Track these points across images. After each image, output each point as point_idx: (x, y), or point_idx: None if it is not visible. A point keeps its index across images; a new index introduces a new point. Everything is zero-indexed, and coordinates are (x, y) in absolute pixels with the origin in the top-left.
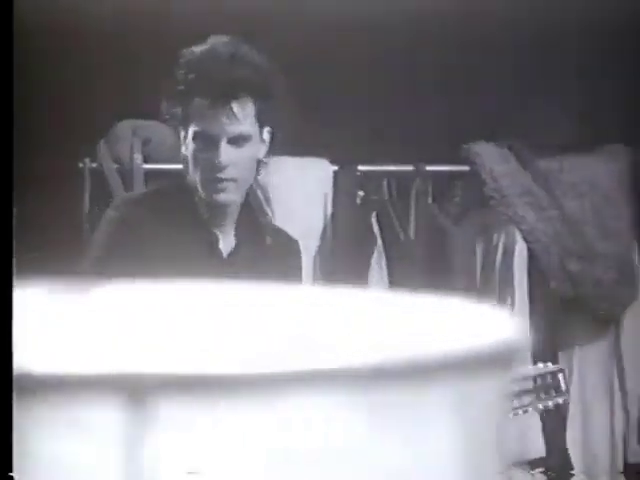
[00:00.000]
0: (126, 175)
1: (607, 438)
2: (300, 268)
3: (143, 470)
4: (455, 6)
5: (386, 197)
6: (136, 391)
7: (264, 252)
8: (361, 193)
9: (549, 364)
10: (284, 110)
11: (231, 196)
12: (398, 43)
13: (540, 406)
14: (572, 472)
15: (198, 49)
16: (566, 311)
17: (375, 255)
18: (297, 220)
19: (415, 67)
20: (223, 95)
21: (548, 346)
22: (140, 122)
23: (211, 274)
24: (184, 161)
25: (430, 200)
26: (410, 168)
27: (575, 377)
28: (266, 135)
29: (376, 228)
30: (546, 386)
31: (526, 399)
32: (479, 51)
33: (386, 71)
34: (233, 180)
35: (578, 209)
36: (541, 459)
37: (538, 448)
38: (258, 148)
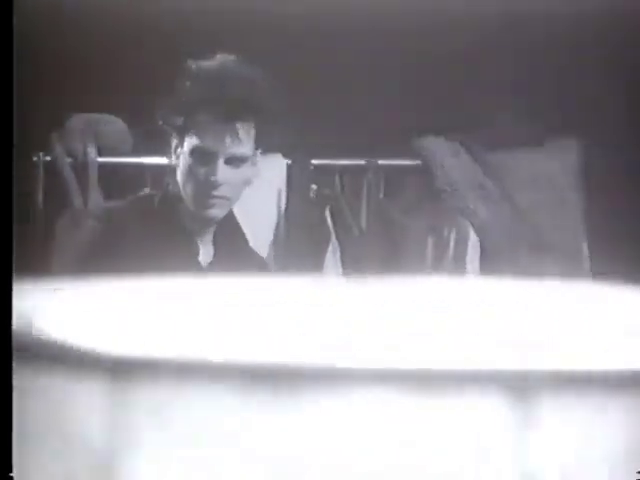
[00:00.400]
0: (80, 169)
1: None
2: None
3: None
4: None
5: (339, 191)
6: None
7: (244, 260)
8: (314, 187)
9: None
10: (280, 134)
11: (220, 212)
12: (352, 38)
13: None
14: None
15: (206, 64)
16: None
17: (330, 249)
18: (251, 214)
19: (367, 62)
20: (230, 115)
21: None
22: (94, 116)
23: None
24: (171, 171)
25: (382, 194)
26: (362, 162)
27: None
28: (258, 157)
29: (330, 222)
30: None
31: None
32: (431, 46)
33: (338, 65)
34: (224, 198)
35: (529, 203)
36: None
37: None
38: (251, 170)
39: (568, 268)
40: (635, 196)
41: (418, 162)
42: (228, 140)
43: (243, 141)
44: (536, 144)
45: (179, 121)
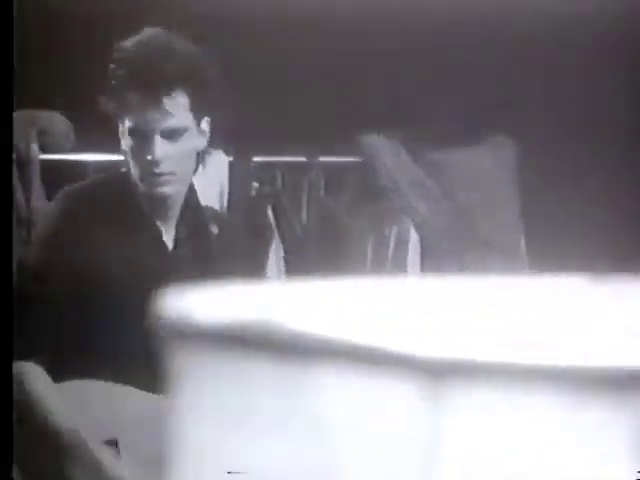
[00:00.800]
0: (22, 165)
1: None
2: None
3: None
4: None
5: (280, 189)
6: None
7: (210, 242)
8: (256, 185)
9: None
10: (221, 99)
11: (171, 189)
12: (294, 34)
13: None
14: None
15: (130, 42)
16: None
17: (273, 246)
18: None
19: (309, 59)
20: (154, 90)
21: None
22: (36, 112)
23: (157, 267)
24: (124, 155)
25: (323, 192)
26: (303, 159)
27: None
28: (204, 125)
29: (272, 219)
30: None
31: None
32: (372, 45)
33: (279, 62)
34: (171, 174)
35: (468, 201)
36: None
37: None
38: (196, 140)
39: (507, 264)
40: (569, 192)
41: (359, 160)
42: (157, 115)
43: (173, 113)
44: (472, 142)
45: (114, 106)
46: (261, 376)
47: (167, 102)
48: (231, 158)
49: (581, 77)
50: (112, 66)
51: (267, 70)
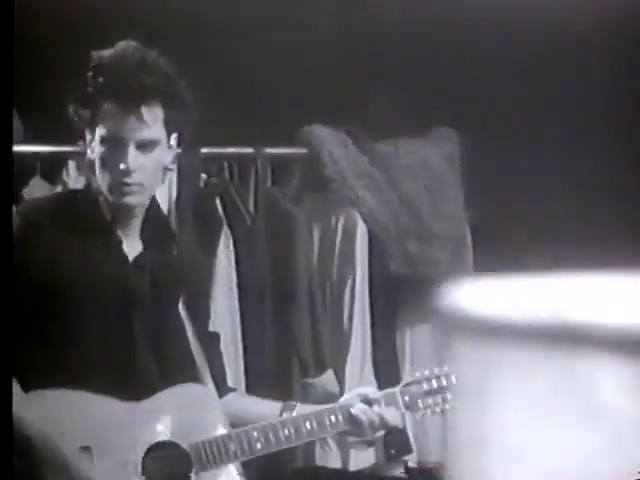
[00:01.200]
0: None
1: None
2: (204, 281)
3: None
4: None
5: (228, 180)
6: None
7: (169, 260)
8: (204, 176)
9: (445, 367)
10: (191, 117)
11: (137, 199)
12: (242, 28)
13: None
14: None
15: (107, 53)
16: (403, 292)
17: (222, 238)
18: None
19: (256, 52)
20: (133, 99)
21: (388, 327)
22: None
23: (117, 277)
24: (89, 164)
25: (270, 182)
26: (250, 150)
27: (407, 358)
28: (173, 141)
29: (221, 211)
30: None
31: (439, 398)
32: (319, 36)
33: (227, 55)
34: (140, 185)
35: (414, 191)
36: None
37: None
38: (165, 154)
39: (453, 255)
40: (512, 183)
41: (305, 150)
42: (134, 124)
43: (150, 125)
44: (417, 133)
45: (87, 114)
46: (535, 362)
47: (145, 112)
48: (179, 150)
49: (524, 67)
50: (90, 74)
51: (215, 63)
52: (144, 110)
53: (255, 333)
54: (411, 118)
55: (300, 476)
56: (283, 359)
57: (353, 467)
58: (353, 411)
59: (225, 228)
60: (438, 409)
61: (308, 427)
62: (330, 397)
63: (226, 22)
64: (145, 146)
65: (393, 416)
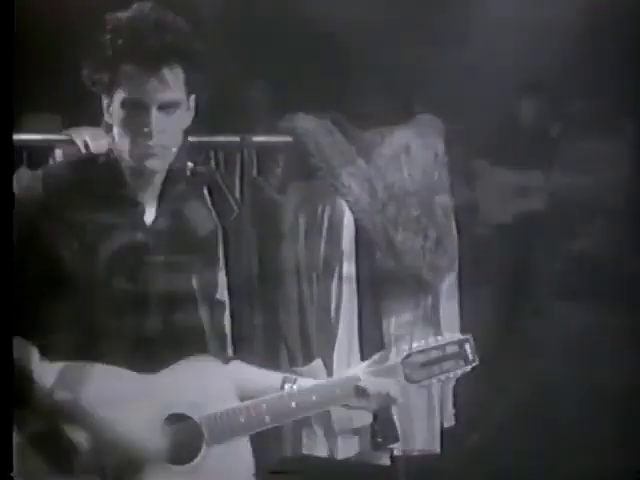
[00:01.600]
0: None
1: (424, 402)
2: (214, 248)
3: None
4: None
5: (214, 169)
6: None
7: (185, 226)
8: (190, 164)
9: (456, 334)
10: (208, 77)
11: (159, 162)
12: (230, 16)
13: (451, 375)
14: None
15: (123, 15)
16: (389, 281)
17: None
18: None
19: (238, 36)
20: (154, 61)
21: (373, 314)
22: None
23: (135, 241)
24: (108, 128)
25: (255, 171)
26: (236, 139)
27: (394, 346)
28: (192, 103)
29: (209, 199)
30: (454, 355)
31: (437, 368)
32: (305, 25)
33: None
34: (163, 147)
35: (399, 180)
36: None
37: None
38: (185, 116)
39: (438, 242)
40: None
41: (291, 139)
42: (156, 86)
43: (171, 85)
44: (402, 122)
45: (104, 77)
46: None
47: (166, 73)
48: None
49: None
50: (107, 36)
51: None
52: (165, 71)
53: (243, 322)
54: (396, 106)
55: (288, 465)
56: (270, 348)
57: (340, 456)
58: (361, 383)
59: (214, 217)
60: (435, 380)
61: (314, 399)
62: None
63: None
64: (167, 108)
65: (395, 388)
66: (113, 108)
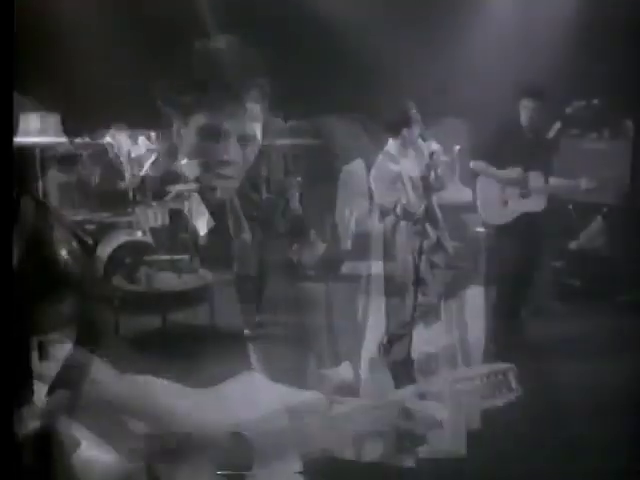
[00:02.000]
0: None
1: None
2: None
3: None
4: None
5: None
6: None
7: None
8: None
9: (500, 363)
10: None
11: (225, 195)
12: (261, 18)
13: (496, 403)
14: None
15: (213, 44)
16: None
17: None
18: None
19: (274, 44)
20: (240, 92)
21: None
22: None
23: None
24: (171, 148)
25: (282, 173)
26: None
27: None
28: (260, 135)
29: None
30: (497, 383)
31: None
32: (335, 28)
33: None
34: (232, 178)
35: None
36: None
37: None
38: (256, 148)
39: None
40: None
41: (319, 141)
42: (240, 118)
43: (252, 119)
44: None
45: (186, 100)
46: None
47: (250, 107)
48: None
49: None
50: (194, 62)
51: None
52: (249, 105)
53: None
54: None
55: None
56: (298, 353)
57: (365, 458)
58: (409, 405)
59: (242, 217)
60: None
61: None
62: (346, 387)
63: (243, 14)
64: (245, 140)
65: (440, 411)
66: (185, 131)
